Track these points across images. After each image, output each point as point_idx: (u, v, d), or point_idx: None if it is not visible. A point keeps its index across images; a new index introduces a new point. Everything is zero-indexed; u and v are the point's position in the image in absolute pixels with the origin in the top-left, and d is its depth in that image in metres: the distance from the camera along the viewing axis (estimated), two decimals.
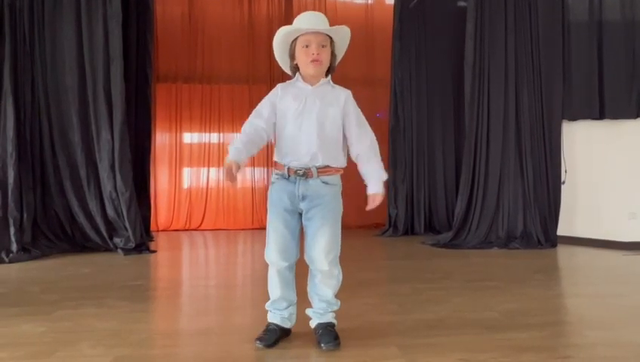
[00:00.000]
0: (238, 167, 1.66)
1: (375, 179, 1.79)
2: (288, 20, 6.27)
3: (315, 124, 1.73)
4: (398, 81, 5.34)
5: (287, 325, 1.82)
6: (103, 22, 4.03)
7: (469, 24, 4.53)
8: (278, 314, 1.81)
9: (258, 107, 1.81)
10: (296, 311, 1.85)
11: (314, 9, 5.73)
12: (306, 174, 1.73)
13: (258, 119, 1.77)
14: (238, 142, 1.72)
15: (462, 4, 5.22)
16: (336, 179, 1.79)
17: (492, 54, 4.47)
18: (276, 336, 1.77)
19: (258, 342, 1.74)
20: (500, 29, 4.46)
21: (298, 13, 1.82)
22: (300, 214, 1.77)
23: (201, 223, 5.79)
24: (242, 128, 1.78)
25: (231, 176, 1.65)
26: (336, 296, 1.82)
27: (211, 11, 5.96)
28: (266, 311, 1.85)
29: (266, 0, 6.00)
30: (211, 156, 5.92)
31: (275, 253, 1.75)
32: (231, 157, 1.67)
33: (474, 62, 4.49)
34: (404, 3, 5.38)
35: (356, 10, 6.16)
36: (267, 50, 5.80)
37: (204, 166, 5.90)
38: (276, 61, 1.89)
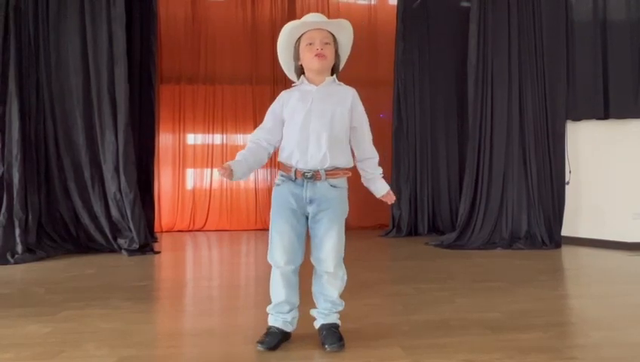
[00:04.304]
0: (230, 171, 1.66)
1: (380, 179, 1.87)
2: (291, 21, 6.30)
3: (324, 124, 1.72)
4: (401, 81, 5.33)
5: (288, 329, 1.80)
6: (107, 24, 4.04)
7: (472, 24, 4.52)
8: (281, 318, 1.78)
9: (264, 118, 1.83)
10: (298, 315, 1.83)
11: (317, 10, 5.73)
12: (314, 177, 1.71)
13: (261, 131, 1.80)
14: (239, 155, 1.75)
15: (465, 4, 5.21)
16: (343, 182, 1.78)
17: (495, 54, 4.46)
18: (278, 339, 1.74)
19: (260, 345, 1.72)
20: (504, 29, 4.45)
21: (301, 15, 1.85)
22: (306, 217, 1.76)
23: (204, 224, 5.80)
24: (247, 142, 1.82)
25: (223, 172, 1.65)
26: (341, 296, 1.82)
27: (214, 13, 5.97)
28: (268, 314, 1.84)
29: (269, 1, 6.01)
30: (215, 157, 5.92)
31: (280, 256, 1.73)
32: (230, 162, 1.69)
33: (477, 63, 4.49)
34: (407, 3, 5.37)
35: (359, 10, 6.16)
36: (270, 51, 5.82)
37: (207, 167, 5.91)
38: (279, 62, 1.90)
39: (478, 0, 4.49)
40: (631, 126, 4.19)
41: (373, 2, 6.19)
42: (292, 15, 5.85)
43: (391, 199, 1.87)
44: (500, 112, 4.44)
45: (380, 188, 1.87)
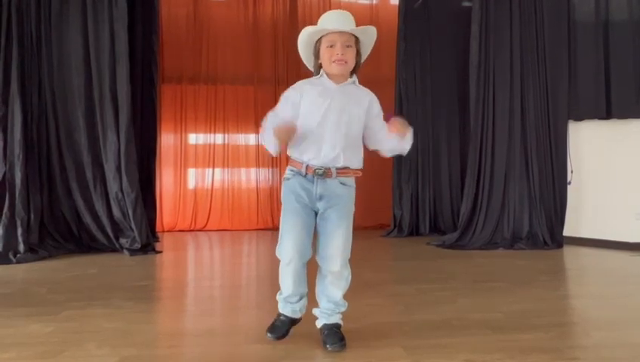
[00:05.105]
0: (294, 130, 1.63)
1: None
2: (293, 21, 6.29)
3: (341, 124, 1.71)
4: (402, 81, 5.32)
5: (297, 316, 1.84)
6: (109, 23, 4.05)
7: (474, 24, 4.52)
8: (289, 307, 1.82)
9: (276, 109, 1.75)
10: (307, 301, 1.85)
11: (319, 9, 5.71)
12: (325, 174, 1.70)
13: (278, 120, 1.70)
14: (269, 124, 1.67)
15: (467, 4, 5.20)
16: (352, 181, 1.78)
17: (497, 55, 4.46)
18: (287, 328, 1.81)
19: (269, 334, 1.79)
20: (505, 29, 4.44)
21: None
22: (316, 213, 1.76)
23: (206, 224, 5.80)
24: (265, 122, 1.72)
25: (286, 133, 1.62)
26: (343, 297, 1.82)
27: (216, 12, 5.96)
28: (274, 306, 1.86)
29: (271, 1, 6.00)
30: (216, 157, 5.93)
31: (291, 250, 1.71)
32: (274, 126, 1.63)
33: (479, 63, 4.48)
34: (408, 3, 5.36)
35: (361, 10, 6.14)
36: (272, 50, 5.81)
37: (209, 166, 5.90)
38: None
39: (479, 0, 4.49)
40: (633, 126, 4.18)
41: (374, 2, 6.19)
42: (294, 15, 5.84)
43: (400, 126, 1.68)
44: (501, 112, 4.44)
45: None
